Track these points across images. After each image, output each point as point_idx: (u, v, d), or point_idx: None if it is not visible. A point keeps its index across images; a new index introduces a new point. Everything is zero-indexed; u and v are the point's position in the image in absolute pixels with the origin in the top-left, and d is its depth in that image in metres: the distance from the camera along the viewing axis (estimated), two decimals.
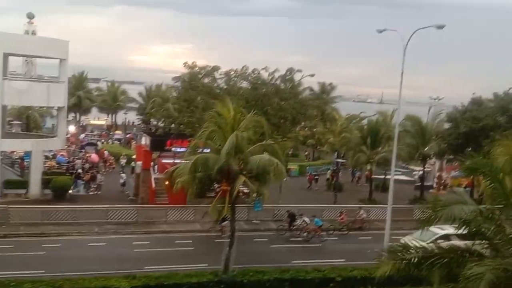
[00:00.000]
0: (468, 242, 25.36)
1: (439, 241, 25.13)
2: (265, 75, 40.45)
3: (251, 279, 22.49)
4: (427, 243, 24.66)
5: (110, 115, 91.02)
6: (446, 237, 25.59)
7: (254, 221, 35.50)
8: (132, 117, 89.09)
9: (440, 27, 26.70)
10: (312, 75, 44.68)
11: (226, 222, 27.81)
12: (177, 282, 21.48)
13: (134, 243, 29.92)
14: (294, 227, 33.47)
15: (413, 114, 46.29)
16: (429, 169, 53.53)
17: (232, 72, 40.42)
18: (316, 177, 51.08)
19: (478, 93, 46.14)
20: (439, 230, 26.28)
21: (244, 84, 40.71)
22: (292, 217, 33.79)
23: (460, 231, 25.61)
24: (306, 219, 33.12)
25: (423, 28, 27.34)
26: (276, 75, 40.58)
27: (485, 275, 9.54)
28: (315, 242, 32.48)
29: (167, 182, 32.78)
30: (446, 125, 44.86)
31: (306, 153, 70.72)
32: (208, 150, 23.22)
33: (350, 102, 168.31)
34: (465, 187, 45.24)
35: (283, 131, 39.77)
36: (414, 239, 25.58)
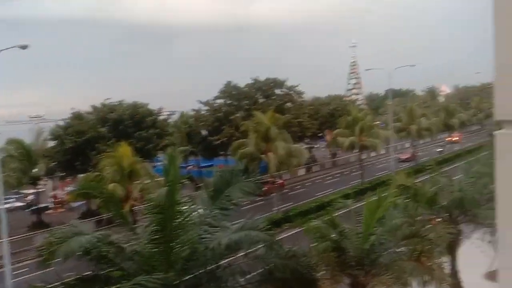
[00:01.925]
0: None
1: None
2: None
3: None
4: None
5: None
6: None
7: None
8: None
9: (24, 47, 26.14)
10: None
11: None
12: None
13: None
14: None
15: (15, 137, 43.69)
16: (43, 190, 51.89)
17: None
18: None
19: (77, 107, 46.90)
20: None
21: None
22: None
23: None
24: None
25: (7, 49, 25.97)
26: None
27: None
28: None
29: None
30: (52, 143, 44.19)
31: None
32: None
33: None
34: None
35: None
36: None
